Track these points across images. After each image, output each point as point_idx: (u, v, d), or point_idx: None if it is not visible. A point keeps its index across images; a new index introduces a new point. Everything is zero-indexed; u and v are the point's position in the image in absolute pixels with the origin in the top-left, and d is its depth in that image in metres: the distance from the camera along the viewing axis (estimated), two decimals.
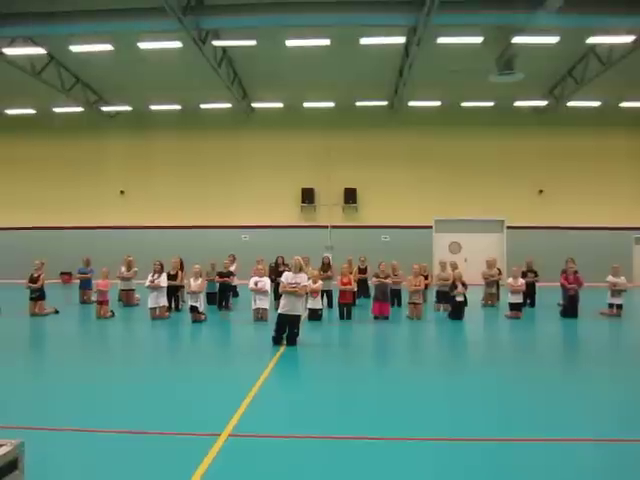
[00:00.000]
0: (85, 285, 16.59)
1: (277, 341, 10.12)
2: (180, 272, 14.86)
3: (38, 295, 14.25)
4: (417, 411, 6.53)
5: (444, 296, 14.69)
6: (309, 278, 13.12)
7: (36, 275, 14.38)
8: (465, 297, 13.74)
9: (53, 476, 4.65)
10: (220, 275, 15.08)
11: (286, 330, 10.15)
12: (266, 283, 13.24)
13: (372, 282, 14.26)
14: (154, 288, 13.59)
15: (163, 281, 13.74)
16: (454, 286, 13.79)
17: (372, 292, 14.72)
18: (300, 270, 10.52)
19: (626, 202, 23.67)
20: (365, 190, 24.48)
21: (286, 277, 10.38)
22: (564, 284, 14.38)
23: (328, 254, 17.39)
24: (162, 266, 14.04)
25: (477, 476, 4.76)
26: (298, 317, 10.30)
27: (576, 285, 14.18)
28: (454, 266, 15.22)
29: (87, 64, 19.87)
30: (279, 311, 10.27)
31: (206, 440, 5.36)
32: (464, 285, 13.76)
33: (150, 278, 13.70)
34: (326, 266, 15.73)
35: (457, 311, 13.63)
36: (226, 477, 4.70)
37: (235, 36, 17.19)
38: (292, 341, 10.13)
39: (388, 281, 13.92)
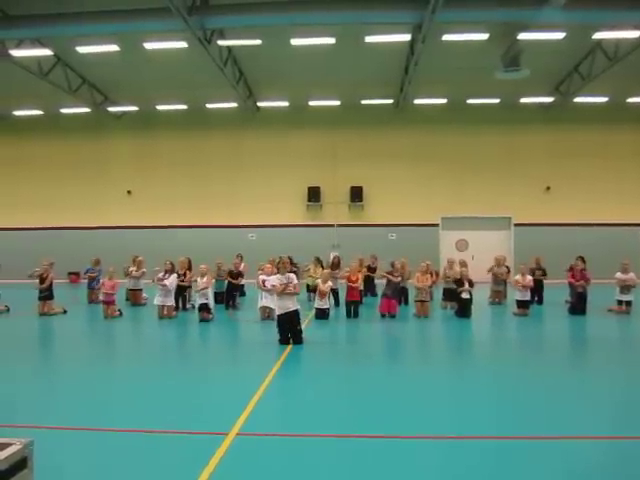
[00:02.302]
0: (93, 285, 16.68)
1: (283, 341, 10.16)
2: (188, 272, 14.91)
3: (46, 295, 14.36)
4: (425, 409, 6.53)
5: (451, 294, 14.66)
6: (300, 277, 13.19)
7: (44, 275, 14.47)
8: (471, 295, 13.72)
9: (62, 475, 4.68)
10: (230, 275, 15.15)
11: (289, 329, 10.20)
12: (274, 282, 13.23)
13: (380, 276, 14.27)
14: (162, 286, 13.64)
15: (171, 282, 13.78)
16: (461, 284, 13.77)
17: (379, 290, 14.72)
18: (286, 270, 10.70)
19: (633, 198, 23.52)
20: (371, 188, 24.44)
21: (279, 279, 10.47)
22: (572, 281, 14.33)
23: (337, 253, 17.39)
24: (173, 266, 14.13)
25: (483, 474, 4.75)
26: (295, 313, 10.29)
27: (583, 282, 14.13)
28: (462, 264, 15.17)
29: (93, 65, 19.93)
30: (277, 313, 10.43)
31: (214, 439, 5.37)
32: (470, 283, 13.74)
33: (160, 276, 13.79)
34: (335, 265, 15.74)
35: (463, 309, 13.61)
36: (234, 476, 4.72)
37: (240, 35, 17.20)
38: (298, 339, 10.17)
39: (397, 279, 13.94)
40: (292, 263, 14.92)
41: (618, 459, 5.11)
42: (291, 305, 10.24)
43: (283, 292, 10.23)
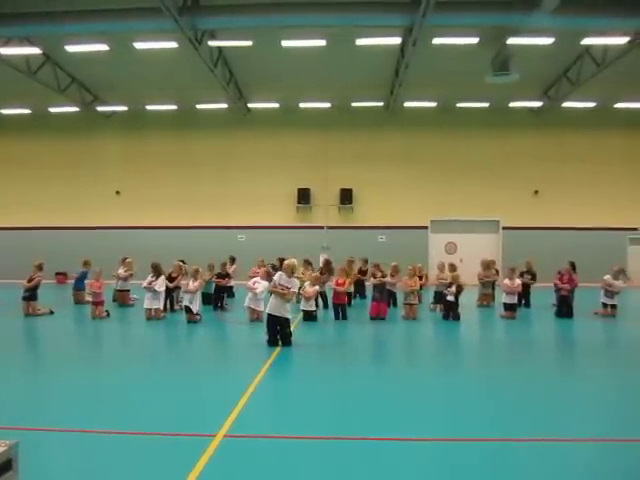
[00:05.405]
0: (79, 286, 16.53)
1: (272, 342, 10.13)
2: (180, 275, 14.76)
3: (29, 295, 14.22)
4: (412, 411, 6.55)
5: (441, 297, 14.70)
6: (305, 281, 13.13)
7: (32, 276, 14.34)
8: (456, 298, 13.71)
9: (48, 476, 4.64)
10: (218, 276, 15.09)
11: (278, 331, 10.16)
12: (262, 285, 13.19)
13: (371, 281, 14.34)
14: (149, 290, 13.55)
15: (160, 285, 13.68)
16: (449, 286, 13.82)
17: (369, 292, 14.75)
18: (292, 273, 10.53)
19: (620, 203, 23.71)
20: (361, 190, 24.47)
21: (279, 277, 10.39)
22: (557, 284, 14.46)
23: (326, 255, 17.38)
24: (158, 268, 13.97)
25: (474, 476, 4.77)
26: (286, 320, 10.27)
27: (569, 285, 14.23)
28: (451, 268, 15.24)
29: (83, 64, 19.79)
30: (267, 311, 10.32)
31: (202, 440, 5.35)
32: (459, 287, 13.75)
33: (148, 279, 13.70)
34: (324, 268, 15.69)
35: (449, 311, 13.64)
36: (222, 478, 4.70)
37: (231, 36, 17.16)
38: (287, 341, 10.14)
39: (387, 279, 14.02)
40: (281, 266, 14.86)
41: (608, 460, 5.15)
42: (283, 312, 10.14)
43: (282, 296, 10.16)
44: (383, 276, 14.18)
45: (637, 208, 23.80)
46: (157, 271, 13.88)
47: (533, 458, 5.13)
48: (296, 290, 10.66)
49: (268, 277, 13.78)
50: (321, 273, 15.02)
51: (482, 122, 23.93)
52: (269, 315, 10.22)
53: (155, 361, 9.59)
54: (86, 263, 16.82)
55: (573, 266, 15.15)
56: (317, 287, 13.63)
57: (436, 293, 15.33)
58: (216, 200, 24.67)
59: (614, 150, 23.97)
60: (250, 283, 13.25)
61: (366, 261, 17.32)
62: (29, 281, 14.28)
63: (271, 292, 10.43)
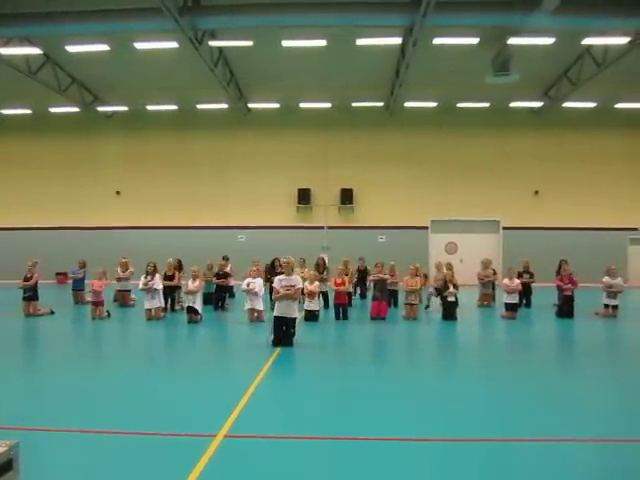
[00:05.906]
0: (78, 286, 16.52)
1: (276, 343, 10.09)
2: (177, 273, 14.82)
3: (30, 295, 14.20)
4: (412, 411, 6.53)
5: (439, 292, 14.66)
6: (305, 279, 13.14)
7: (29, 275, 14.32)
8: (456, 297, 13.73)
9: (48, 476, 4.63)
10: (217, 276, 15.08)
11: (284, 332, 10.15)
12: (257, 284, 13.19)
13: (370, 278, 14.36)
14: (147, 290, 13.51)
15: (157, 283, 13.66)
16: (445, 286, 13.80)
17: (370, 292, 14.75)
18: (292, 271, 10.51)
19: (621, 203, 23.73)
20: (361, 191, 24.49)
21: (279, 281, 10.35)
22: (560, 285, 14.44)
23: (323, 255, 17.42)
24: (155, 267, 13.94)
25: (474, 477, 4.76)
26: (293, 319, 10.28)
27: (571, 285, 14.24)
28: (448, 267, 15.24)
29: (83, 64, 19.82)
30: (274, 314, 10.27)
31: (202, 441, 5.35)
32: (455, 286, 13.76)
33: (143, 280, 13.62)
34: (321, 267, 15.72)
35: (450, 311, 13.63)
36: (222, 478, 4.70)
37: (231, 36, 17.18)
38: (288, 341, 10.13)
39: (386, 277, 14.03)
40: (281, 265, 14.84)
41: (609, 461, 5.15)
42: (291, 312, 10.14)
43: (288, 297, 10.13)
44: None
45: (637, 208, 23.82)
46: (154, 270, 13.85)
47: (533, 458, 5.12)
48: (301, 286, 10.64)
49: (260, 274, 13.87)
50: (318, 272, 15.05)
51: (482, 122, 23.94)
52: (277, 317, 10.18)
53: (155, 361, 9.60)
54: (82, 265, 16.84)
55: (566, 263, 15.17)
56: (317, 283, 13.63)
57: (436, 288, 15.27)
58: (216, 200, 24.68)
59: (614, 150, 23.98)
60: (244, 286, 13.23)
61: (363, 260, 17.37)
62: (26, 280, 14.25)
63: (275, 300, 10.32)
